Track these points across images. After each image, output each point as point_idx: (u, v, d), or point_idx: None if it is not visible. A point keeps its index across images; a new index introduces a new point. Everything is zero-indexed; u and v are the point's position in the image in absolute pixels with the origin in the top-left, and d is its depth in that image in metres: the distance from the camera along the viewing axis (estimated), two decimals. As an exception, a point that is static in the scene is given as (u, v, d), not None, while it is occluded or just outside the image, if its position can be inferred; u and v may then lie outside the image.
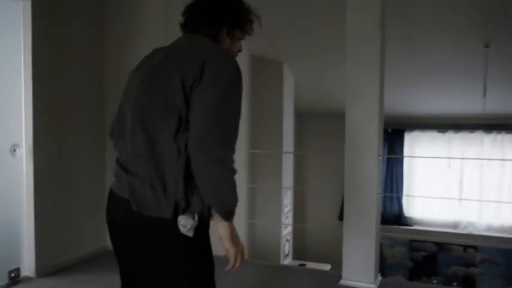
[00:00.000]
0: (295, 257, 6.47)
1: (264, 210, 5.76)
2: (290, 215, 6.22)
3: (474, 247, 6.68)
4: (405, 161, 7.12)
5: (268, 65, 5.78)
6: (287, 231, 6.12)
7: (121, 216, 1.41)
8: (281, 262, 5.77)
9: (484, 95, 4.91)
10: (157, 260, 1.36)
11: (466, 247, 6.74)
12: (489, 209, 6.66)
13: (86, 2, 3.49)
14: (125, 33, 3.55)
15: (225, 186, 1.30)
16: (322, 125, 7.44)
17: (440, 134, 6.89)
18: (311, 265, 5.97)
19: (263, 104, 5.72)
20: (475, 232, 6.65)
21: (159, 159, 1.32)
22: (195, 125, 1.28)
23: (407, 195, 7.07)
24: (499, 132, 6.56)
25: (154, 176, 1.32)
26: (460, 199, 6.71)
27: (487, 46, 4.58)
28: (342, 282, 2.90)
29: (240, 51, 1.63)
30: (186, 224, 1.30)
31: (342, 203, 7.19)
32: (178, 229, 1.30)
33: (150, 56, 1.54)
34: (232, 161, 1.32)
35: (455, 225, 6.87)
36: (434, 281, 6.00)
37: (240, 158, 5.82)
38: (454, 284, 6.44)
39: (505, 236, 6.58)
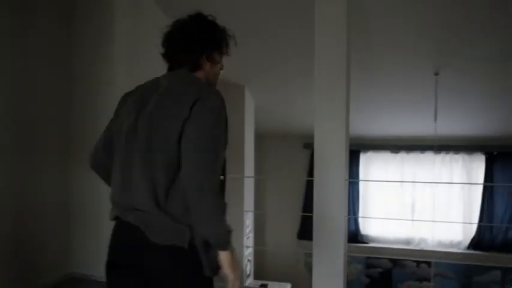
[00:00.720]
0: (256, 277, 6.51)
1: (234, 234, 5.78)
2: (251, 236, 6.28)
3: (427, 262, 7.00)
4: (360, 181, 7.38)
5: (229, 88, 5.87)
6: (248, 251, 6.17)
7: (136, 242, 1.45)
8: (244, 283, 5.80)
9: (435, 119, 5.22)
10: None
11: (419, 263, 7.06)
12: (440, 225, 7.00)
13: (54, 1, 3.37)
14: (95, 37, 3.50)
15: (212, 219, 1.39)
16: (281, 147, 7.61)
17: (393, 155, 7.22)
18: (272, 285, 6.04)
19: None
20: (427, 248, 6.98)
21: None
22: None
23: (369, 217, 7.31)
24: (448, 153, 6.96)
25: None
26: (412, 220, 7.03)
27: (437, 74, 4.90)
28: (313, 302, 2.99)
29: (221, 69, 1.75)
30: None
31: (301, 223, 7.39)
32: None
33: (140, 98, 1.57)
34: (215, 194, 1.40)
35: (408, 241, 7.17)
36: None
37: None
38: (410, 299, 6.71)
39: (454, 251, 6.95)
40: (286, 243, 7.47)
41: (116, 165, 1.54)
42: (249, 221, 6.12)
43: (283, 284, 6.23)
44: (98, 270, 3.38)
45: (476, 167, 6.96)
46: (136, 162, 1.44)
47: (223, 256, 1.42)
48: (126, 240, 1.47)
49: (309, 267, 7.54)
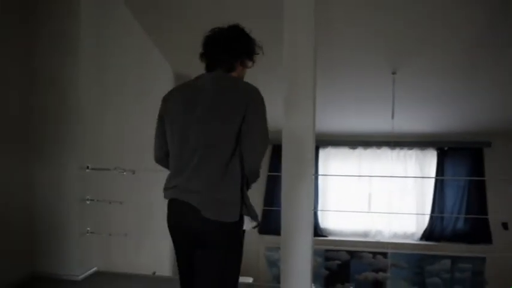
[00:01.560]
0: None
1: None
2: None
3: (383, 253, 7.30)
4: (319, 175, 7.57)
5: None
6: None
7: (194, 222, 1.82)
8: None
9: (392, 116, 5.44)
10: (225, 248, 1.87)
11: (375, 254, 7.34)
12: (395, 218, 7.30)
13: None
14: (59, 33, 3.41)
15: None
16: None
17: (351, 150, 7.45)
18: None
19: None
20: (383, 240, 7.26)
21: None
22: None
23: (330, 210, 7.50)
24: (402, 149, 7.26)
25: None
26: (368, 212, 7.29)
27: (394, 73, 5.11)
28: (281, 294, 3.08)
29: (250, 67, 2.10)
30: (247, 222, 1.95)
31: (263, 217, 7.49)
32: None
33: (187, 101, 1.91)
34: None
35: (365, 234, 7.44)
36: (351, 287, 6.44)
37: (163, 178, 5.81)
38: (368, 289, 6.98)
39: (408, 242, 7.27)
40: (247, 237, 7.53)
41: (175, 157, 1.92)
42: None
43: (245, 278, 6.30)
44: (62, 269, 3.35)
45: (429, 162, 7.31)
46: (195, 155, 1.82)
47: None
48: (183, 213, 1.86)
49: (270, 261, 7.69)
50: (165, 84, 5.63)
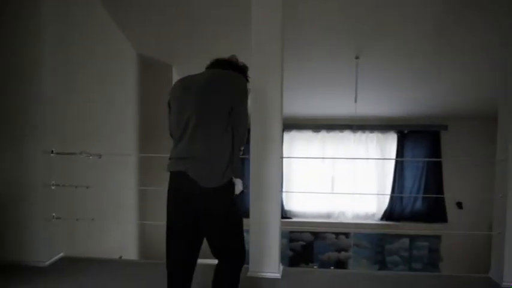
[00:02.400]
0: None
1: (154, 212, 5.78)
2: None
3: (345, 234, 7.52)
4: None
5: (157, 67, 5.80)
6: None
7: (192, 189, 2.09)
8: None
9: (355, 100, 5.56)
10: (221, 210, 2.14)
11: (338, 234, 7.56)
12: (357, 199, 7.53)
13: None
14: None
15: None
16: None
17: (315, 134, 7.58)
18: (202, 261, 6.13)
19: (152, 107, 5.72)
20: (346, 220, 7.48)
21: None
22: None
23: (295, 192, 7.62)
24: (364, 132, 7.45)
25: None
26: (332, 193, 7.47)
27: (357, 57, 5.22)
28: (250, 273, 3.14)
29: None
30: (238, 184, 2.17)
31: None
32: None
33: (185, 85, 2.25)
34: None
35: (328, 215, 7.63)
36: (315, 266, 6.61)
37: (131, 162, 5.74)
38: (331, 267, 7.18)
39: (369, 223, 7.52)
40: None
41: (175, 127, 2.20)
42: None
43: (211, 260, 6.35)
44: (28, 256, 3.29)
45: (389, 145, 7.55)
46: (198, 130, 2.10)
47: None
48: (182, 184, 2.14)
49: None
50: (129, 66, 5.58)
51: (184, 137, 2.15)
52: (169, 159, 2.21)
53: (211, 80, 2.20)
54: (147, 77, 5.78)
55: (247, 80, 2.38)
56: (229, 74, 2.25)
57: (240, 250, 2.24)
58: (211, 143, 2.10)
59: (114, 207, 4.81)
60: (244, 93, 2.22)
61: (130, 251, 5.47)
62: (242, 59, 2.46)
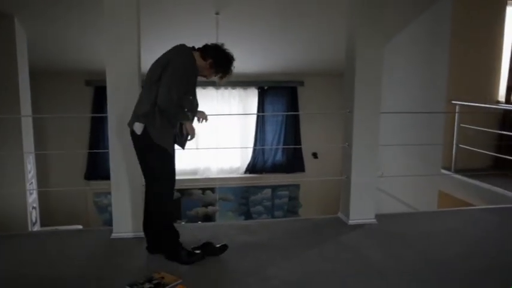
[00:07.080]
0: (43, 224, 6.15)
1: (4, 179, 5.26)
2: (34, 181, 5.84)
3: (211, 189, 7.71)
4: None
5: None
6: (33, 198, 5.76)
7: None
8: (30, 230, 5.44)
9: (217, 56, 5.55)
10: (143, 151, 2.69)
11: (204, 190, 7.72)
12: (222, 154, 7.71)
13: None
14: None
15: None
16: (60, 84, 7.08)
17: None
18: (62, 229, 5.81)
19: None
20: (211, 176, 7.65)
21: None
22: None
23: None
24: (226, 88, 7.57)
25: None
26: (197, 148, 7.52)
27: (217, 13, 5.20)
28: (114, 235, 3.07)
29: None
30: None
31: (88, 163, 7.19)
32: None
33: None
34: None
35: (194, 172, 7.72)
36: (182, 223, 6.66)
37: None
38: (199, 222, 7.33)
39: (234, 176, 7.81)
40: (72, 185, 7.17)
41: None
42: (30, 164, 5.66)
43: (74, 226, 6.06)
44: None
45: (251, 100, 7.80)
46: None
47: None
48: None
49: (99, 207, 7.49)
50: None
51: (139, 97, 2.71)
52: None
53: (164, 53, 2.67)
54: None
55: (226, 70, 2.79)
56: (176, 48, 2.68)
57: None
58: (142, 100, 2.62)
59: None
60: (176, 66, 2.55)
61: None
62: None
